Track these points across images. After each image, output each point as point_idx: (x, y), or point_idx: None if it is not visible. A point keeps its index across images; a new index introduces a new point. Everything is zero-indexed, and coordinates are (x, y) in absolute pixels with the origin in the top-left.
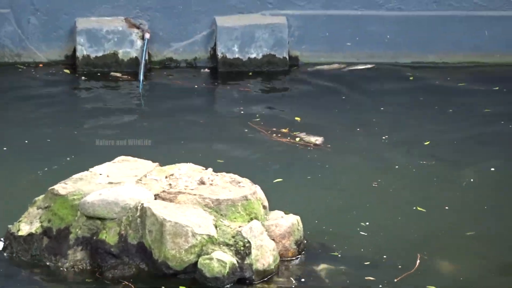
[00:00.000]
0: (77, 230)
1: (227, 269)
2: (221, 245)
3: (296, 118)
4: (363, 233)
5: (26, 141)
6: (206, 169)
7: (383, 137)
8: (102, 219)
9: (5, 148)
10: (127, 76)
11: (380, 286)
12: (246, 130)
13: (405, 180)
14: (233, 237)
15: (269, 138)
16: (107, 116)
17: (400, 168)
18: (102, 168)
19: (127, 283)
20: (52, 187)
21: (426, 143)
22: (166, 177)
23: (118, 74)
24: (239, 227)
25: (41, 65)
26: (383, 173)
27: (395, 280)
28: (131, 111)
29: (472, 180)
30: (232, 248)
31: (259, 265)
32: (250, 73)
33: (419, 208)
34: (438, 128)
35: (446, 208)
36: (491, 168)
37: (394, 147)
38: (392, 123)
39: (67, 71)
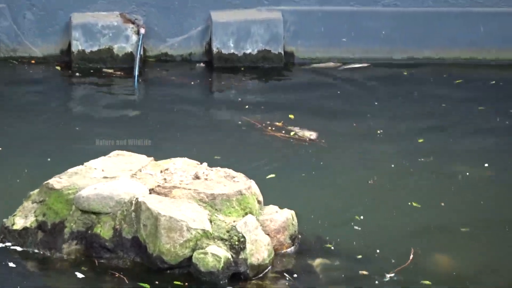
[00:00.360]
0: (72, 224)
1: (222, 264)
2: (215, 240)
3: (290, 116)
4: (358, 228)
5: (21, 136)
6: (201, 163)
7: (378, 132)
8: (97, 213)
9: (0, 148)
10: (120, 72)
11: (374, 280)
12: (240, 123)
13: (401, 175)
14: (227, 231)
15: (264, 133)
16: (102, 112)
17: (395, 164)
18: (97, 163)
19: (119, 274)
20: (47, 181)
21: (421, 140)
22: (161, 172)
23: (111, 70)
24: (234, 221)
25: (33, 61)
26: (378, 168)
27: (389, 274)
28: (126, 106)
29: (467, 175)
30: (226, 243)
31: (253, 260)
32: (243, 68)
33: (414, 204)
34: (433, 123)
35: (442, 204)
36: (486, 164)
37: (389, 142)
38: (387, 119)
39: (58, 68)
